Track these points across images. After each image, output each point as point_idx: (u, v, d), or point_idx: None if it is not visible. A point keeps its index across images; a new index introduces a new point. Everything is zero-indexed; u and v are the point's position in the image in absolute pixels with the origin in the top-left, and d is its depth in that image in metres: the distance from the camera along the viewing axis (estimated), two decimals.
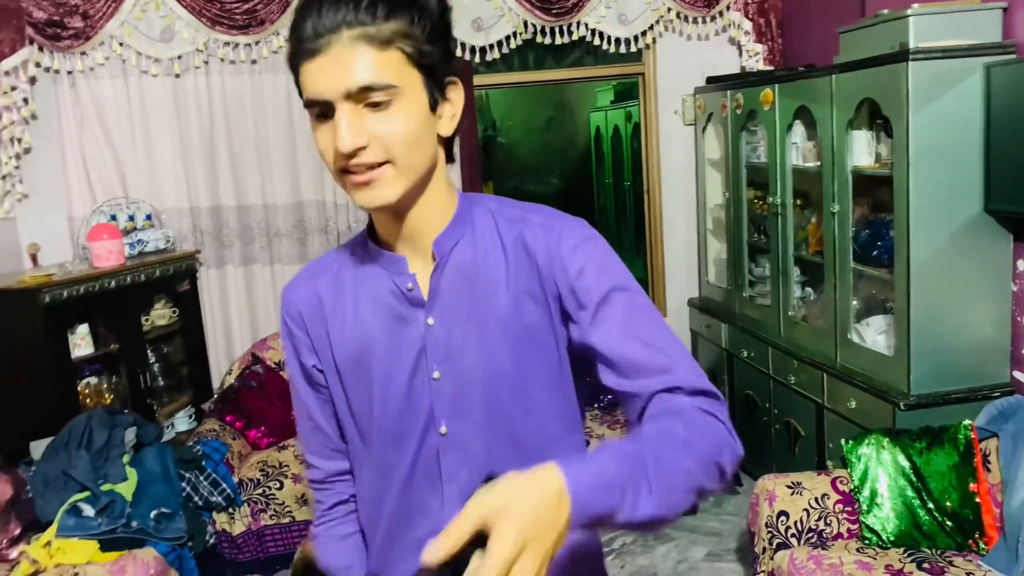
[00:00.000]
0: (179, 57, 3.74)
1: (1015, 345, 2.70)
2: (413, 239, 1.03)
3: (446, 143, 1.03)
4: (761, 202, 3.62)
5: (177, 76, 3.77)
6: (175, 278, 3.70)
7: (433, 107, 0.96)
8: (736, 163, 3.75)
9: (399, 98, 0.92)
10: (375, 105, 0.91)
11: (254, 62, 3.83)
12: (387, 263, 1.05)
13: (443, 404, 1.04)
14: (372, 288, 1.06)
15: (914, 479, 2.45)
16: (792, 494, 2.51)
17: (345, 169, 0.94)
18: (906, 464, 2.47)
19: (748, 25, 4.03)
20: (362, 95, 0.90)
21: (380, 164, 0.93)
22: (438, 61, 0.95)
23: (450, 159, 1.05)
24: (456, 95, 1.00)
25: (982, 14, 2.61)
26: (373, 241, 1.08)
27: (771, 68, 3.96)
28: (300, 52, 0.92)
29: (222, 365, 3.97)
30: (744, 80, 3.71)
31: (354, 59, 0.89)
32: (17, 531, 2.69)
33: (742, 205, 3.75)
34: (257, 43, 3.79)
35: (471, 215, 1.06)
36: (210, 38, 3.73)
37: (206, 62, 3.79)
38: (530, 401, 1.04)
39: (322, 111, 0.93)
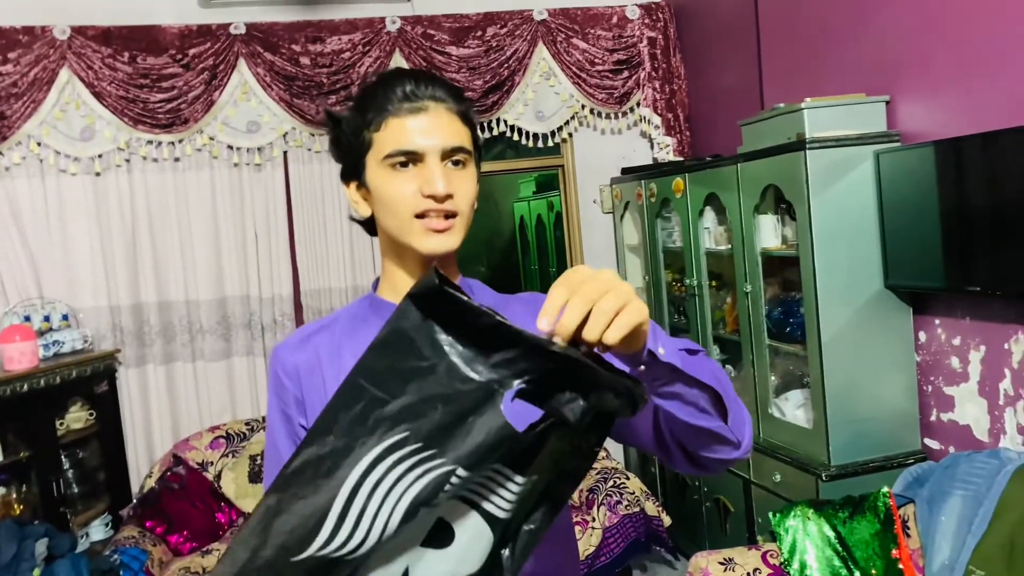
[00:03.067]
0: (99, 156, 3.73)
1: (923, 413, 2.84)
2: None
3: None
4: (679, 284, 3.76)
5: (97, 174, 3.75)
6: (92, 379, 3.59)
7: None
8: (653, 248, 3.91)
9: (470, 163, 1.11)
10: (456, 164, 1.09)
11: (177, 159, 3.84)
12: None
13: None
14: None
15: (840, 548, 2.51)
16: (725, 570, 2.53)
17: (420, 215, 1.08)
18: (831, 534, 2.53)
19: (657, 120, 4.27)
20: (451, 154, 1.08)
21: (453, 215, 1.09)
22: (480, 149, 1.17)
23: None
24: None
25: (868, 106, 2.84)
26: (379, 298, 1.19)
27: (681, 159, 4.18)
28: (394, 108, 1.07)
29: (142, 468, 3.82)
30: (656, 170, 3.90)
31: (452, 124, 1.09)
32: None
33: (662, 287, 3.88)
34: (180, 141, 3.81)
35: (470, 283, 1.24)
36: (132, 136, 3.74)
37: (127, 160, 3.78)
38: None
39: (407, 160, 1.07)
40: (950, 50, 2.61)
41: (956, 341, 2.69)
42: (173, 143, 3.81)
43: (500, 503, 0.82)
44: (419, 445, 0.74)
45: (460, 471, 0.75)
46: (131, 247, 3.82)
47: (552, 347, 0.73)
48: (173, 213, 3.86)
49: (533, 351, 0.73)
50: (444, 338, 0.75)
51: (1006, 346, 2.51)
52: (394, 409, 0.75)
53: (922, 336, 2.81)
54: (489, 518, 0.82)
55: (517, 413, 0.74)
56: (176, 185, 3.86)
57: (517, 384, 0.74)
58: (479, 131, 1.19)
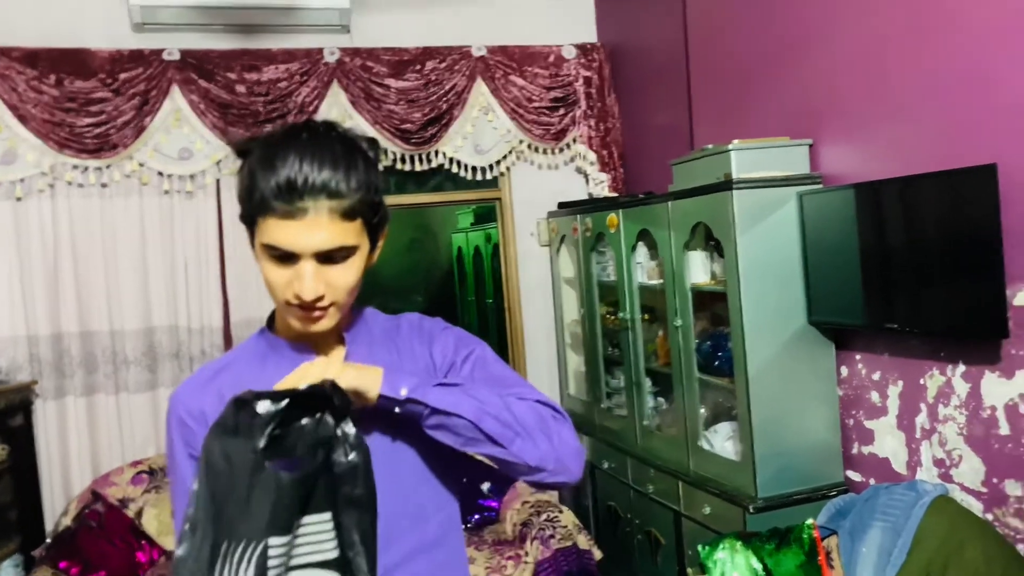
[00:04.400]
0: (21, 180, 3.61)
1: (845, 446, 2.92)
2: (325, 335, 1.19)
3: None
4: (613, 317, 3.81)
5: (19, 199, 3.63)
6: (6, 412, 3.43)
7: (371, 252, 1.15)
8: (588, 281, 3.96)
9: (353, 255, 1.10)
10: (333, 261, 1.08)
11: (104, 185, 3.75)
12: (294, 352, 1.19)
13: None
14: (281, 376, 1.10)
15: None
16: None
17: (294, 304, 1.10)
18: (758, 566, 2.57)
19: (593, 156, 4.35)
20: (327, 254, 1.07)
21: (328, 306, 1.11)
22: (381, 216, 1.14)
23: None
24: (383, 234, 1.18)
25: (792, 149, 2.95)
26: (274, 336, 1.23)
27: (615, 195, 4.26)
28: (273, 206, 1.04)
29: (57, 506, 3.65)
30: (591, 205, 3.96)
31: (329, 227, 1.05)
32: None
33: (596, 320, 3.93)
34: (108, 167, 3.72)
35: (364, 313, 1.27)
36: (57, 161, 3.63)
37: (51, 185, 3.67)
38: (418, 460, 1.20)
39: (283, 256, 1.07)
40: (869, 97, 2.74)
41: (876, 376, 2.79)
42: (100, 168, 3.71)
43: (324, 547, 0.97)
44: (234, 541, 0.90)
45: (272, 540, 0.90)
46: (52, 275, 3.68)
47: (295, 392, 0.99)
48: (99, 240, 3.75)
49: (286, 400, 0.97)
50: (233, 442, 0.94)
51: (921, 381, 2.61)
52: (212, 517, 0.91)
53: (844, 371, 2.90)
54: (325, 564, 0.96)
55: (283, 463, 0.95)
56: (103, 212, 3.75)
57: (267, 435, 0.93)
58: (378, 206, 1.12)
